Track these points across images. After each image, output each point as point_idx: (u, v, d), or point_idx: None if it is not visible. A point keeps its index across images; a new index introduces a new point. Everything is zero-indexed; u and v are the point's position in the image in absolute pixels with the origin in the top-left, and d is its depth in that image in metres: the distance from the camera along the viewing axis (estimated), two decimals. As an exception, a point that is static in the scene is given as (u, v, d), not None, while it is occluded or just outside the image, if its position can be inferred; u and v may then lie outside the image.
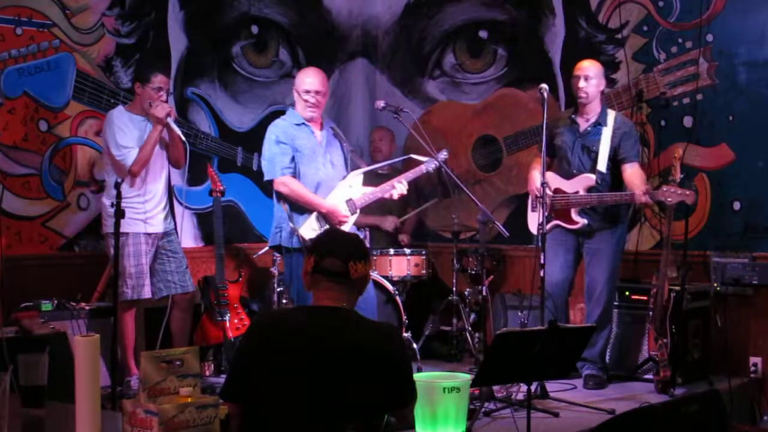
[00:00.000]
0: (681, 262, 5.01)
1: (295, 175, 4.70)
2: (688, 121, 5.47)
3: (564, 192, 5.03)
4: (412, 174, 4.89)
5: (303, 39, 6.61)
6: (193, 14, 5.96)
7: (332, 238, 2.80)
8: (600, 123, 4.99)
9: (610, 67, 5.75)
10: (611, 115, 5.05)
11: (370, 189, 4.86)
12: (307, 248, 2.71)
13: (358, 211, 4.80)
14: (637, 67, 5.68)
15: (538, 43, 6.14)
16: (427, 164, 4.90)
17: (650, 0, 5.61)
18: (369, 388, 2.43)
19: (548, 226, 5.06)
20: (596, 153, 4.97)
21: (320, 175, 4.73)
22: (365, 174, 4.90)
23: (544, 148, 4.77)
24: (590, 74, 5.00)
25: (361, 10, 6.96)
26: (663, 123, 5.57)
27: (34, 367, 2.47)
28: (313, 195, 4.68)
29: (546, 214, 4.99)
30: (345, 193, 4.77)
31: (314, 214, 4.67)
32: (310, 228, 4.63)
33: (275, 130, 4.77)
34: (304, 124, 4.77)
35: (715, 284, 5.24)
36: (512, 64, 6.32)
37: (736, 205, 5.30)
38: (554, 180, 5.05)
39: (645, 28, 5.64)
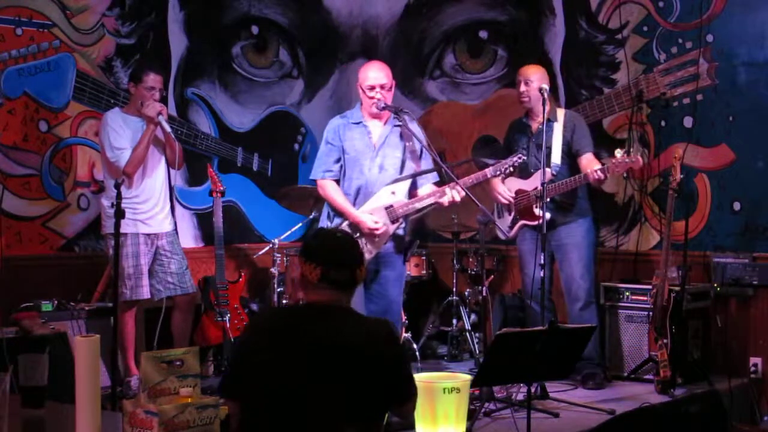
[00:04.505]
0: (681, 262, 5.01)
1: (340, 177, 4.61)
2: (688, 122, 5.47)
3: (524, 191, 5.10)
4: (471, 179, 4.57)
5: (303, 39, 6.61)
6: (193, 14, 5.96)
7: (336, 247, 2.63)
8: (550, 120, 5.00)
9: (610, 68, 5.76)
10: (560, 111, 5.15)
11: (423, 194, 4.61)
12: (304, 254, 2.59)
13: (401, 219, 4.57)
14: (637, 67, 5.67)
15: (538, 43, 6.14)
16: (496, 168, 4.59)
17: (650, 0, 5.61)
18: (367, 385, 2.42)
19: (515, 228, 5.11)
20: (549, 148, 5.00)
21: (362, 179, 4.57)
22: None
23: (544, 148, 4.78)
24: (530, 78, 5.07)
25: (361, 11, 6.96)
26: (663, 123, 5.57)
27: (34, 367, 2.48)
28: (345, 203, 4.54)
29: (511, 216, 5.06)
30: (386, 200, 4.55)
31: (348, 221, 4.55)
32: None
33: (329, 127, 4.69)
34: (361, 123, 4.62)
35: (715, 284, 5.24)
36: (512, 64, 6.32)
37: (736, 205, 5.30)
38: (514, 183, 5.16)
39: (645, 29, 5.64)
